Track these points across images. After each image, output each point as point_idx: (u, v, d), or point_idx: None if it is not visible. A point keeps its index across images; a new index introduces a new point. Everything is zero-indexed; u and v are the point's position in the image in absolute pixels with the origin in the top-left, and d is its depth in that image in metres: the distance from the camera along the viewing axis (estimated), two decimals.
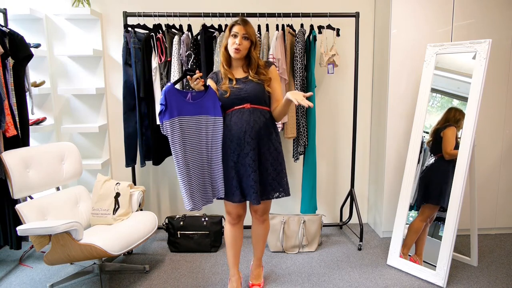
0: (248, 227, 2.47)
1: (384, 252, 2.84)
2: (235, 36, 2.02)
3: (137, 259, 2.80)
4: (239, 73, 2.12)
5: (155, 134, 2.85)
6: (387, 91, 2.93)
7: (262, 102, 2.09)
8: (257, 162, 2.05)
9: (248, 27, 2.03)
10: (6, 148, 2.44)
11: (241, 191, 2.10)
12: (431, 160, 2.59)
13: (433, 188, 2.57)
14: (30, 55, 2.57)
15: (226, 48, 2.09)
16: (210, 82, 2.14)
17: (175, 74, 2.72)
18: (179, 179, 2.00)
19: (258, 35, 2.75)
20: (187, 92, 2.04)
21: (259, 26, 2.81)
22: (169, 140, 1.98)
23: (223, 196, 2.12)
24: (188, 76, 2.00)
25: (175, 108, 1.98)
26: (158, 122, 2.79)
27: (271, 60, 2.66)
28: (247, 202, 2.17)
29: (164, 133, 1.96)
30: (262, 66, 2.12)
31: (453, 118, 2.50)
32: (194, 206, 2.03)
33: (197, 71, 1.99)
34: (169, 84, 1.99)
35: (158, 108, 1.97)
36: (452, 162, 2.44)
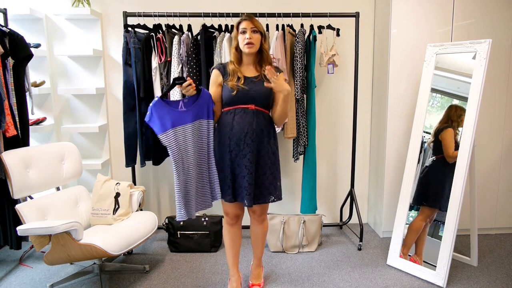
0: (247, 227, 2.47)
1: (384, 252, 2.84)
2: (244, 32, 2.01)
3: (137, 259, 2.80)
4: (250, 71, 2.10)
5: (155, 135, 2.84)
6: (387, 91, 2.93)
7: (267, 105, 2.09)
8: (254, 164, 2.04)
9: (254, 21, 2.02)
10: (6, 148, 2.44)
11: (233, 191, 2.09)
12: (430, 160, 2.59)
13: (430, 190, 2.57)
14: (30, 55, 2.57)
15: (236, 48, 2.07)
16: (216, 73, 2.11)
17: (175, 74, 2.72)
18: (176, 189, 2.00)
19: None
20: (178, 101, 2.02)
21: None
22: (169, 151, 1.98)
23: (220, 197, 2.13)
24: (177, 86, 2.01)
25: (168, 120, 1.97)
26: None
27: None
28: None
29: (164, 145, 1.98)
30: (272, 65, 2.11)
31: (455, 114, 2.49)
32: (188, 216, 2.03)
33: (188, 78, 1.99)
34: (156, 98, 1.98)
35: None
36: (451, 164, 2.43)
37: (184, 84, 1.97)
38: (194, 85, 2.00)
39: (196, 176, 2.08)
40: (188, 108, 2.02)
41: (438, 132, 2.55)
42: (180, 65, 2.74)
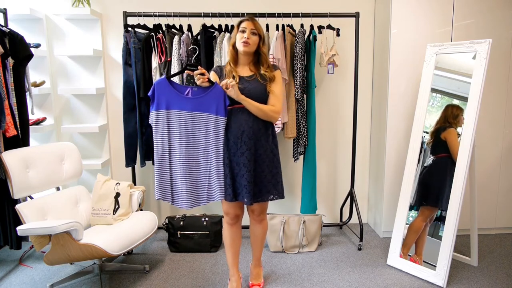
0: (247, 227, 2.47)
1: (384, 252, 2.84)
2: (243, 31, 2.04)
3: (137, 259, 2.80)
4: (245, 71, 2.12)
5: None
6: (387, 91, 2.93)
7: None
8: (252, 162, 2.05)
9: (256, 23, 2.06)
10: (6, 148, 2.44)
11: (234, 190, 2.09)
12: (430, 160, 2.59)
13: (431, 189, 2.57)
14: (30, 55, 2.57)
15: (233, 46, 2.10)
16: (213, 75, 2.13)
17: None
18: (155, 169, 2.06)
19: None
20: (186, 87, 2.03)
21: None
22: (153, 130, 2.02)
23: (222, 199, 2.11)
24: (187, 71, 2.02)
25: (163, 100, 1.99)
26: None
27: (270, 60, 2.66)
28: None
29: (150, 123, 2.03)
30: (270, 65, 2.13)
31: (451, 115, 2.50)
32: (163, 198, 2.07)
33: (199, 67, 1.97)
34: (163, 76, 2.00)
35: None
36: (451, 164, 2.43)
37: (196, 72, 1.96)
38: (207, 76, 1.98)
39: (192, 168, 2.07)
40: (194, 96, 2.01)
41: (437, 132, 2.55)
42: (180, 65, 2.74)
